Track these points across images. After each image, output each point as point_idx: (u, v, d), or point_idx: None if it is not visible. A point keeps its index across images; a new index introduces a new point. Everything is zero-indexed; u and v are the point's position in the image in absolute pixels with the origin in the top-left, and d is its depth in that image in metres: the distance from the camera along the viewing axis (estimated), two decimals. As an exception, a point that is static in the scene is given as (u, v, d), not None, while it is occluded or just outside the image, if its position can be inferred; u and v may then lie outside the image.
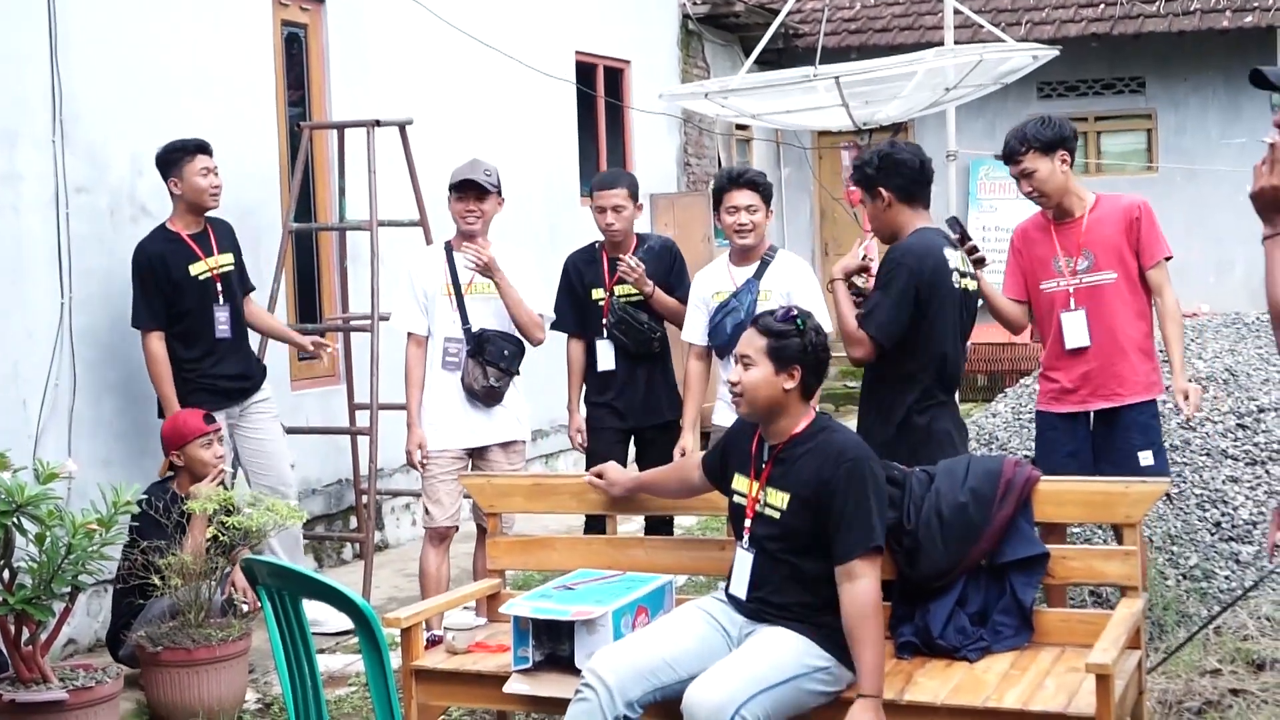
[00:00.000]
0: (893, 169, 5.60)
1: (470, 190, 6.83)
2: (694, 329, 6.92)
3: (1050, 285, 6.26)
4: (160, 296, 7.20)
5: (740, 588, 4.89)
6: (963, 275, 5.64)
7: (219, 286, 7.36)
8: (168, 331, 7.23)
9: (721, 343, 6.80)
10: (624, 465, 7.19)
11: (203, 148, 7.28)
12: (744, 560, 4.89)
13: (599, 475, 5.60)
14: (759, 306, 6.61)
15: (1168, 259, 6.30)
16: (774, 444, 4.84)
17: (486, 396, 6.81)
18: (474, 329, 6.82)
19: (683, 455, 6.84)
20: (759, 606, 4.82)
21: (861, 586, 4.54)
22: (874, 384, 5.74)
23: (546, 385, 8.16)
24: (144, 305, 7.23)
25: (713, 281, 6.92)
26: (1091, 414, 6.26)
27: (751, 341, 4.81)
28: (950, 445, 5.61)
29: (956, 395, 5.85)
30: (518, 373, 6.90)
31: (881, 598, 4.60)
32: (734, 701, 4.42)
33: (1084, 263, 6.18)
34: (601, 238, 7.40)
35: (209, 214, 7.38)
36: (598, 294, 7.27)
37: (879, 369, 5.69)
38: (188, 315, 7.26)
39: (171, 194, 7.30)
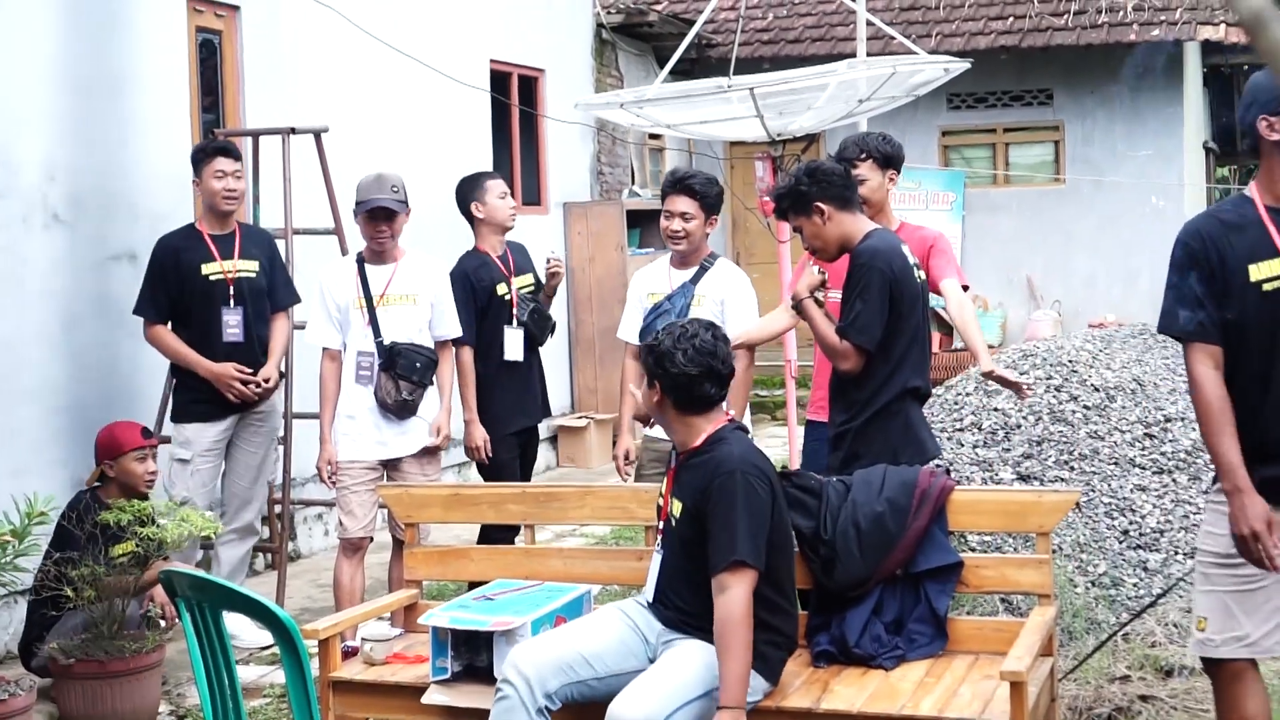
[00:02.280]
0: (824, 180, 5.51)
1: (380, 215, 6.82)
2: (629, 327, 6.90)
3: (835, 295, 6.24)
4: (164, 290, 7.20)
5: (649, 590, 4.97)
6: (916, 267, 5.61)
7: (230, 289, 7.30)
8: (175, 328, 7.28)
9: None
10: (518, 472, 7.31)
11: (224, 150, 7.27)
12: (654, 562, 4.98)
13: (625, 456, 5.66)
14: (692, 311, 6.60)
15: (964, 288, 6.26)
16: (680, 454, 4.90)
17: (399, 410, 6.79)
18: (386, 342, 6.80)
19: (626, 458, 6.84)
20: (671, 613, 4.85)
21: (727, 599, 4.53)
22: (845, 381, 5.58)
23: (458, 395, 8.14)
24: (147, 295, 7.26)
25: (650, 282, 6.93)
26: None
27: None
28: (927, 432, 5.62)
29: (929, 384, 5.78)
30: (430, 384, 6.89)
31: (749, 610, 4.52)
32: (658, 715, 4.45)
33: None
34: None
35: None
36: (502, 289, 7.33)
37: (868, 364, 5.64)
38: (193, 314, 7.26)
39: (193, 188, 7.31)
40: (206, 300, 7.26)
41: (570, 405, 14.11)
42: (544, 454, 13.40)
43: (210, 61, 9.33)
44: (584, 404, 14.03)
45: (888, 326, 5.42)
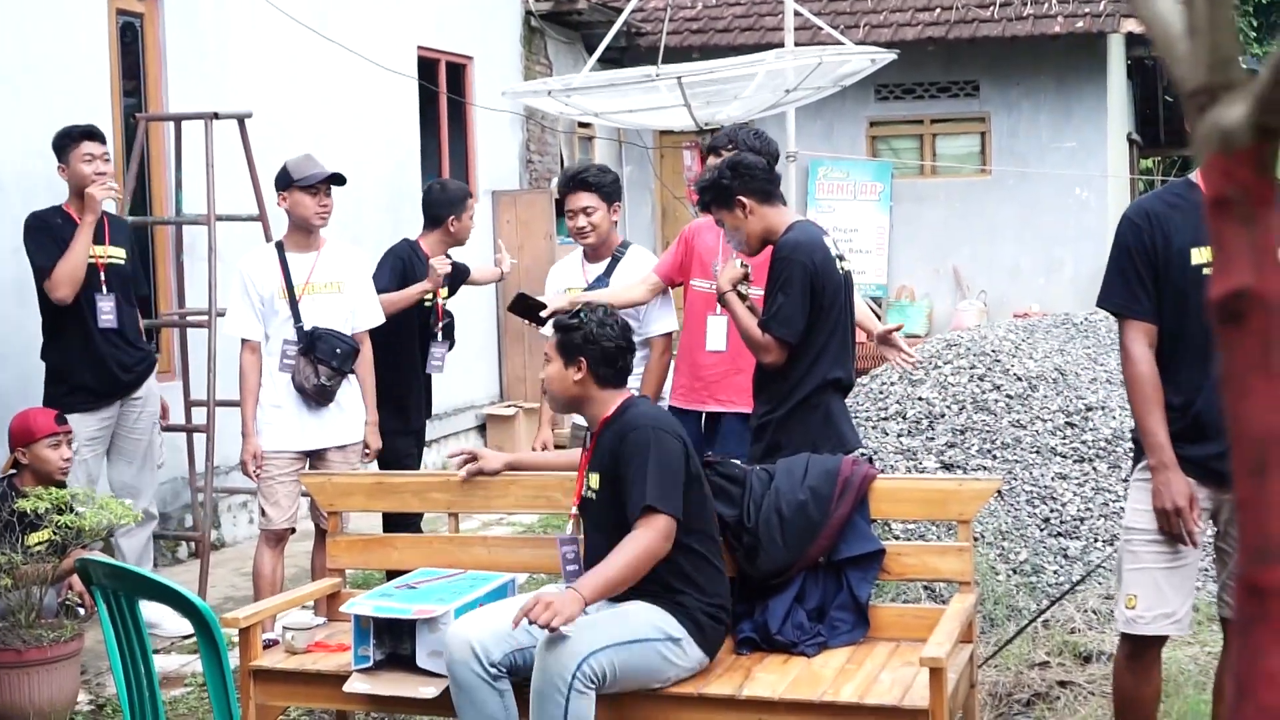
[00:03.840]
0: (746, 174, 5.52)
1: (325, 184, 6.79)
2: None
3: (703, 285, 6.38)
4: (54, 246, 7.04)
5: (571, 578, 4.99)
6: (840, 259, 5.62)
7: (103, 275, 7.22)
8: (51, 317, 7.15)
9: None
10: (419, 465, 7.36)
11: (89, 134, 7.14)
12: (569, 532, 5.10)
13: (472, 458, 5.61)
14: None
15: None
16: (593, 430, 4.97)
17: (318, 395, 6.74)
18: (306, 328, 6.77)
19: (544, 449, 6.88)
20: None
21: (636, 534, 4.63)
22: (766, 373, 5.60)
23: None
24: (40, 254, 7.06)
25: (565, 276, 6.95)
26: (704, 415, 6.44)
27: (549, 339, 4.98)
28: (848, 424, 5.64)
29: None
30: (351, 372, 6.86)
31: (656, 552, 4.62)
32: (580, 653, 4.49)
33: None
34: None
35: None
36: (429, 298, 7.32)
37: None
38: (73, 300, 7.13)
39: (63, 178, 7.17)
40: (83, 284, 7.16)
41: (499, 394, 14.09)
42: (473, 442, 13.39)
43: (131, 45, 9.23)
44: (512, 392, 14.01)
45: (809, 319, 5.44)
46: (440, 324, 7.41)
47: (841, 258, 5.65)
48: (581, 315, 4.89)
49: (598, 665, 4.50)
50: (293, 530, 6.89)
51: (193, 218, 8.61)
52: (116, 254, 7.32)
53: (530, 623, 4.45)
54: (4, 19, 7.96)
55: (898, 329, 6.24)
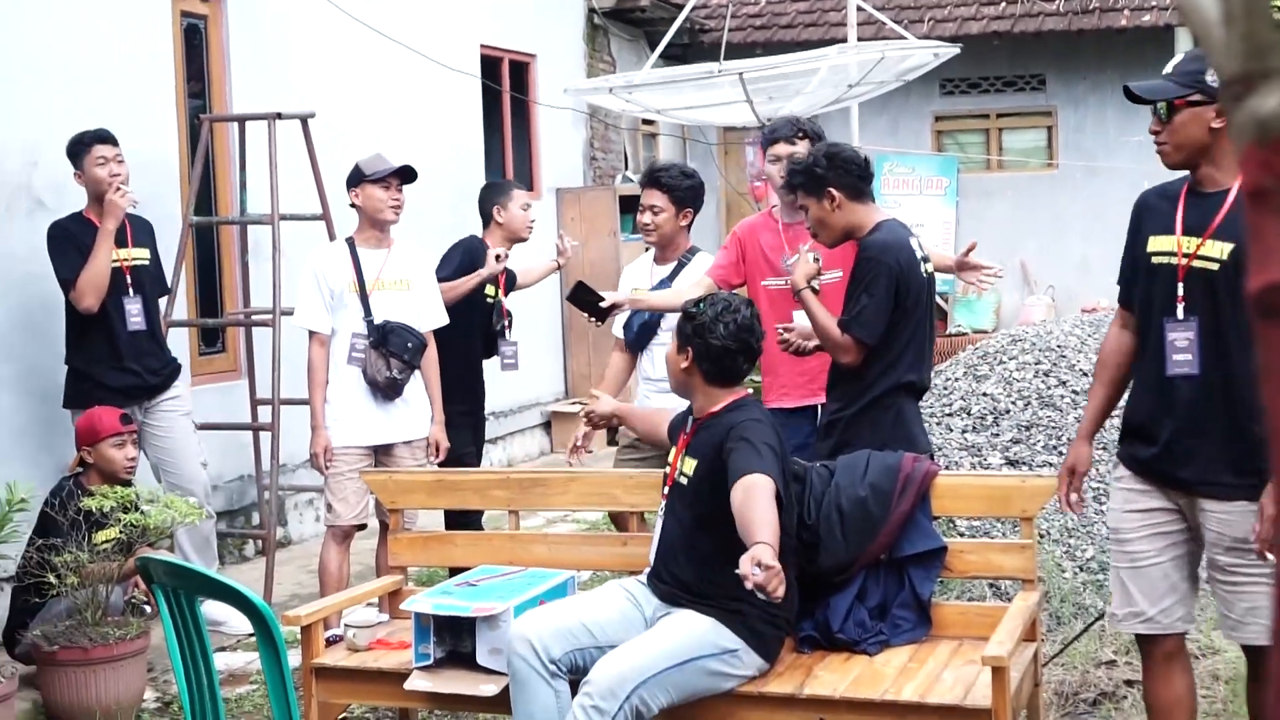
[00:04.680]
0: (841, 167, 5.45)
1: (396, 178, 6.84)
2: (619, 321, 6.97)
3: (776, 284, 6.25)
4: (77, 255, 7.08)
5: (650, 553, 4.98)
6: (924, 260, 5.54)
7: (129, 279, 7.28)
8: (77, 320, 7.19)
9: (630, 338, 6.91)
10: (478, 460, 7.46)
11: (102, 138, 7.19)
12: (657, 529, 5.00)
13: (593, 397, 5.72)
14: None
15: None
16: (697, 418, 4.96)
17: (388, 388, 6.78)
18: (377, 321, 6.80)
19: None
20: (666, 587, 4.86)
21: (754, 481, 4.49)
22: (841, 371, 5.55)
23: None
24: (64, 266, 7.11)
25: (634, 277, 7.01)
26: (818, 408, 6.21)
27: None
28: (919, 427, 5.58)
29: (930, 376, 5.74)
30: (418, 366, 6.89)
31: (770, 492, 4.48)
32: (631, 680, 4.48)
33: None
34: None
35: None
36: (491, 290, 7.37)
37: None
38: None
39: (80, 185, 7.23)
40: (110, 289, 7.20)
41: (564, 391, 14.10)
42: (537, 439, 13.43)
43: (196, 46, 9.30)
44: (577, 389, 14.02)
45: (890, 320, 5.38)
46: (505, 321, 7.45)
47: (926, 259, 5.57)
48: (702, 305, 4.87)
49: (649, 696, 4.50)
50: (362, 526, 6.92)
51: (257, 217, 8.66)
52: (140, 255, 7.37)
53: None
54: (69, 23, 8.03)
55: (971, 248, 6.18)
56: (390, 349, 6.76)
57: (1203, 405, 4.31)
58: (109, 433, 6.66)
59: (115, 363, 7.21)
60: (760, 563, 4.07)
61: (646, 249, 7.10)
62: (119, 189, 7.10)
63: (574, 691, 4.63)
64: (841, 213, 5.48)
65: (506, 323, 7.46)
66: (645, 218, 6.80)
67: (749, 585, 4.07)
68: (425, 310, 6.99)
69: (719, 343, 4.82)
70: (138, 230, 7.41)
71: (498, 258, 7.14)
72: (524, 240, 7.54)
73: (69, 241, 7.12)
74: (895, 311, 5.37)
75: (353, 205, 6.94)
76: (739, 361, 4.89)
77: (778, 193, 6.31)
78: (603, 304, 6.33)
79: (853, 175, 5.48)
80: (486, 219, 7.52)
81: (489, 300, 7.40)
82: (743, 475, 4.51)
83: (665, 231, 6.79)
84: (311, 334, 6.89)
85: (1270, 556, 4.19)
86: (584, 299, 6.41)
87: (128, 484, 6.61)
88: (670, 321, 6.84)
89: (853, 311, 5.40)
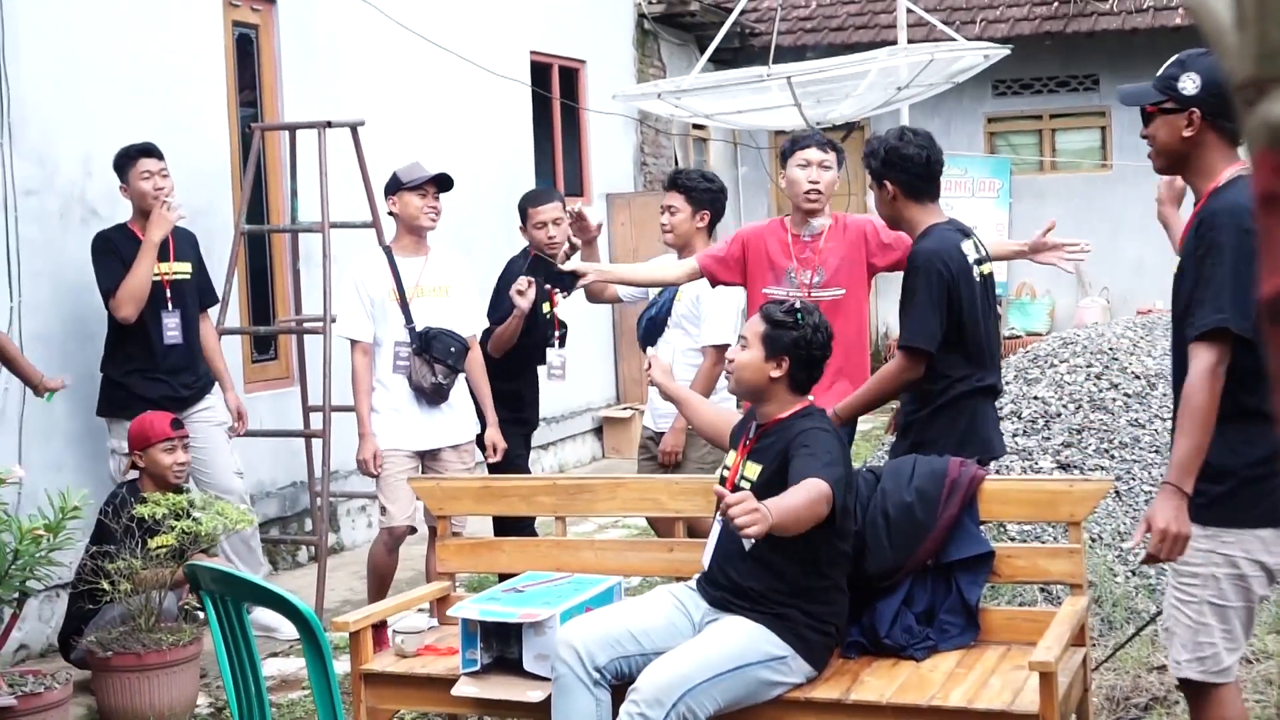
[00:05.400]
0: (898, 164, 5.42)
1: (434, 184, 6.88)
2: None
3: (778, 292, 6.08)
4: (119, 266, 7.15)
5: (706, 557, 4.96)
6: (979, 263, 5.49)
7: (168, 293, 7.33)
8: (115, 330, 7.24)
9: (639, 335, 6.99)
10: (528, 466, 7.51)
11: (147, 151, 7.25)
12: (714, 531, 4.96)
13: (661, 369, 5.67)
14: (674, 306, 6.90)
15: None
16: (762, 424, 4.93)
17: (434, 394, 6.85)
18: (419, 328, 6.84)
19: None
20: (718, 592, 4.85)
21: (813, 480, 4.49)
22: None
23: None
24: (106, 276, 7.18)
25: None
26: None
27: (753, 325, 4.92)
28: (996, 433, 5.53)
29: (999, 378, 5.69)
30: (462, 370, 6.93)
31: (823, 505, 4.46)
32: (679, 688, 4.48)
33: (817, 277, 6.12)
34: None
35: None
36: (545, 308, 7.39)
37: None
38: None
39: (125, 197, 7.29)
40: (149, 302, 7.25)
41: (615, 396, 14.11)
42: (589, 445, 13.44)
43: (247, 56, 9.36)
44: (628, 395, 14.02)
45: (951, 323, 5.34)
46: (557, 333, 7.47)
47: (982, 260, 5.50)
48: (799, 317, 4.85)
49: (696, 704, 4.50)
50: (413, 530, 6.97)
51: (307, 225, 8.71)
52: (182, 269, 7.43)
53: (723, 513, 4.34)
54: (122, 34, 8.10)
55: (1050, 227, 6.13)
56: (434, 355, 6.82)
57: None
58: (159, 438, 6.72)
59: (149, 374, 7.28)
60: (738, 502, 4.16)
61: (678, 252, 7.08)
62: (165, 203, 7.16)
63: (616, 698, 4.63)
64: (897, 205, 5.47)
65: (558, 334, 7.47)
66: (664, 218, 6.93)
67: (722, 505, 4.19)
68: (466, 315, 7.06)
69: (819, 353, 4.85)
70: (181, 243, 7.47)
71: (520, 293, 7.14)
72: (553, 254, 7.51)
73: (112, 252, 7.18)
74: (953, 314, 5.33)
75: (390, 213, 7.00)
76: (823, 370, 4.97)
77: (794, 199, 6.23)
78: (562, 270, 6.33)
79: (909, 174, 5.44)
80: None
81: (545, 316, 7.44)
82: (803, 479, 4.52)
83: (681, 232, 6.87)
84: (353, 343, 6.94)
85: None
86: (544, 269, 6.41)
87: (179, 489, 6.67)
88: (678, 318, 6.87)
89: (903, 324, 5.38)
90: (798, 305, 4.91)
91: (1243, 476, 4.02)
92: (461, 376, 7.00)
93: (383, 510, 6.98)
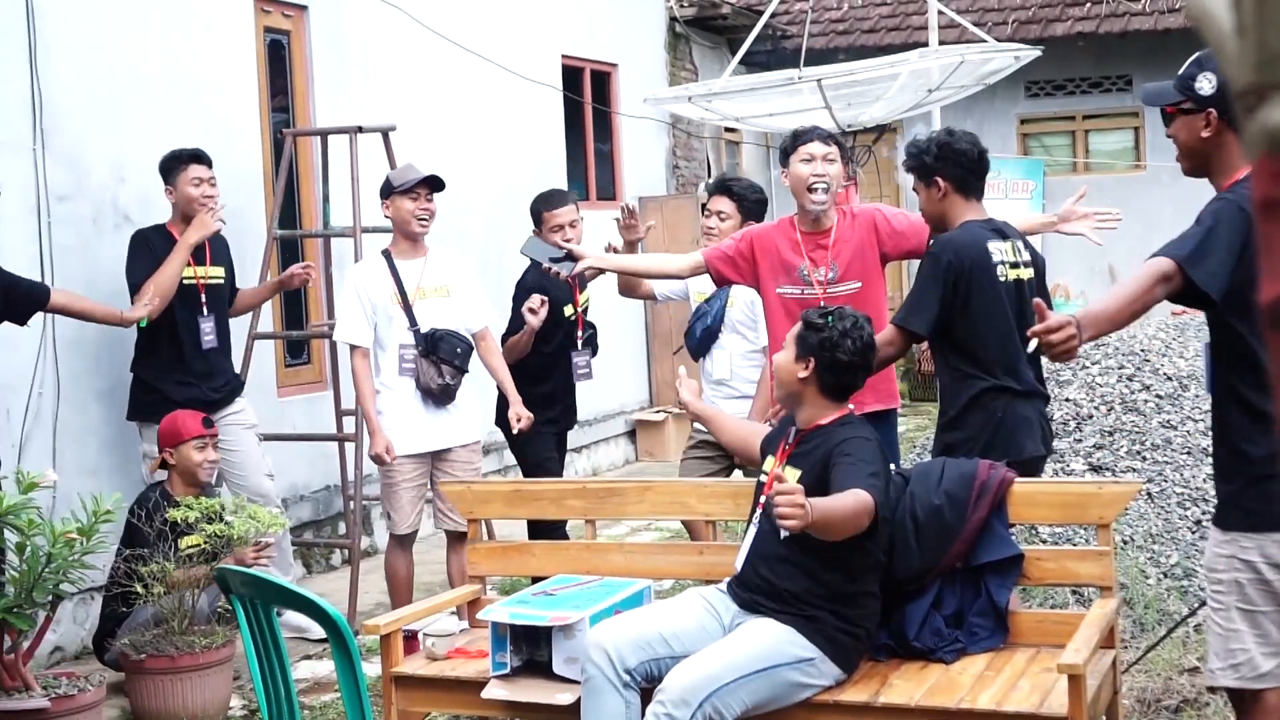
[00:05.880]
0: (951, 159, 5.44)
1: (425, 186, 6.90)
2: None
3: (792, 292, 6.10)
4: (152, 264, 7.19)
5: (740, 560, 4.96)
6: (1013, 266, 5.47)
7: (204, 297, 7.38)
8: (147, 333, 7.29)
9: (691, 344, 6.98)
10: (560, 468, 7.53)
11: (198, 157, 7.30)
12: (749, 534, 4.97)
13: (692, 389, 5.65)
14: (728, 313, 6.85)
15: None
16: (801, 429, 4.95)
17: (441, 394, 6.90)
18: (424, 330, 6.88)
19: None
20: (749, 594, 4.85)
21: (857, 491, 4.52)
22: (940, 373, 5.69)
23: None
24: (136, 271, 7.23)
25: (700, 283, 7.00)
26: None
27: (794, 328, 4.97)
28: (1027, 435, 5.47)
29: (1039, 383, 5.65)
30: (467, 370, 6.98)
31: (864, 516, 4.48)
32: (705, 688, 4.49)
33: (831, 273, 6.08)
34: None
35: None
36: (569, 310, 7.41)
37: (941, 360, 5.62)
38: (169, 316, 7.27)
39: (169, 200, 7.33)
40: (185, 305, 7.32)
41: (648, 400, 14.12)
42: (622, 448, 13.45)
43: (279, 61, 9.41)
44: (662, 398, 14.03)
45: (959, 321, 5.36)
46: (582, 334, 7.49)
47: (1017, 265, 5.49)
48: (829, 320, 4.87)
49: (723, 705, 4.51)
50: (416, 532, 7.06)
51: (339, 230, 8.74)
52: (216, 274, 7.49)
53: (767, 509, 4.38)
54: (154, 38, 8.15)
55: (1080, 195, 6.11)
56: (440, 356, 6.86)
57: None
58: (191, 435, 6.78)
59: (181, 377, 7.32)
60: (789, 493, 4.19)
61: None
62: (211, 210, 7.22)
63: (645, 700, 4.64)
64: (945, 203, 5.47)
65: (581, 335, 7.49)
66: (711, 222, 6.87)
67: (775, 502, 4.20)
68: (471, 311, 7.09)
69: (845, 358, 4.84)
70: (217, 249, 7.52)
71: (532, 311, 7.16)
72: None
73: (147, 250, 7.24)
74: (962, 312, 5.35)
75: (386, 217, 7.04)
76: (857, 378, 4.95)
77: (798, 196, 6.17)
78: (560, 255, 6.27)
79: (962, 169, 5.47)
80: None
81: (568, 316, 7.46)
82: (847, 489, 4.53)
83: (724, 238, 6.79)
84: (352, 348, 6.97)
85: None
86: (537, 251, 6.37)
87: (208, 488, 6.72)
88: (732, 323, 6.86)
89: (904, 303, 5.50)
90: (832, 309, 4.93)
91: (1249, 475, 4.01)
92: (467, 377, 7.02)
93: (388, 516, 7.07)
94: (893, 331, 5.47)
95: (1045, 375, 8.09)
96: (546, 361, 7.42)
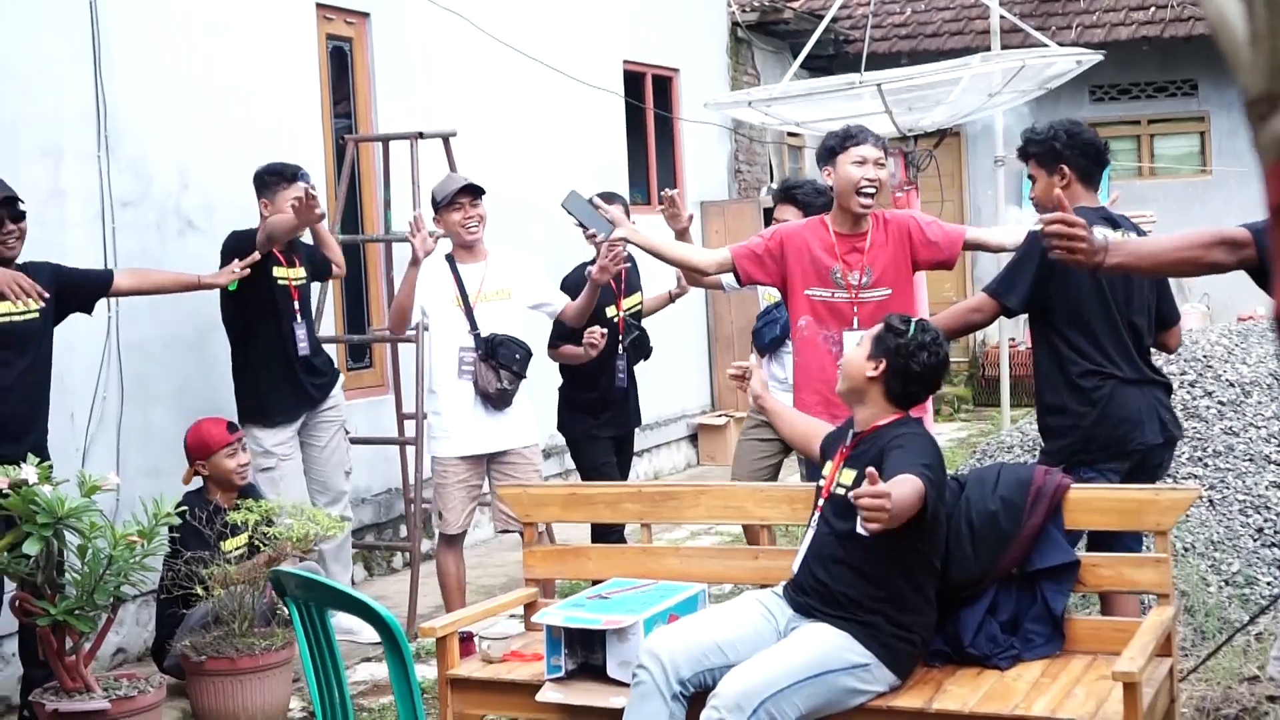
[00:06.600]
0: (1079, 148, 5.52)
1: (467, 194, 6.95)
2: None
3: (823, 294, 6.01)
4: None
5: (797, 563, 4.96)
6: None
7: (295, 302, 7.49)
8: (244, 338, 7.42)
9: (761, 345, 6.97)
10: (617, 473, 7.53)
11: (301, 176, 7.32)
12: (806, 538, 4.97)
13: (742, 376, 5.65)
14: None
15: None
16: (859, 431, 4.95)
17: (499, 399, 6.96)
18: (483, 334, 6.93)
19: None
20: (805, 597, 4.86)
21: (900, 476, 4.53)
22: (1038, 360, 5.75)
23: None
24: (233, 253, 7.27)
25: (766, 288, 7.04)
26: None
27: (874, 327, 5.00)
28: (1136, 424, 5.52)
29: (1150, 369, 5.71)
30: (525, 376, 7.03)
31: (917, 499, 4.46)
32: (759, 694, 4.48)
33: (865, 277, 6.01)
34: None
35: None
36: (611, 311, 7.44)
37: (1040, 344, 5.72)
38: (268, 311, 7.38)
39: (261, 213, 7.39)
40: (272, 304, 7.40)
41: (710, 403, 14.12)
42: (684, 452, 13.46)
43: (341, 68, 9.48)
44: (723, 401, 14.03)
45: (1057, 302, 5.52)
46: (624, 337, 7.51)
47: None
48: (912, 328, 4.88)
49: (777, 711, 4.50)
50: (465, 532, 7.20)
51: (401, 235, 8.77)
52: (300, 275, 7.55)
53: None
54: (218, 47, 8.23)
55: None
56: (499, 361, 6.92)
57: None
58: (220, 444, 6.85)
59: (285, 382, 7.46)
60: (876, 494, 4.22)
61: None
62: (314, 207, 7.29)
63: (691, 705, 4.64)
64: (1066, 192, 5.40)
65: (623, 338, 7.53)
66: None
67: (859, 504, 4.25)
68: (546, 301, 7.21)
69: (917, 368, 4.85)
70: (301, 253, 7.57)
71: (593, 345, 7.24)
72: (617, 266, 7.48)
73: (239, 255, 7.29)
74: (1054, 295, 5.49)
75: (438, 229, 7.11)
76: (922, 392, 4.97)
77: (843, 197, 6.11)
78: (599, 223, 6.21)
79: (1087, 157, 5.56)
80: None
81: (611, 320, 7.49)
82: (896, 475, 4.53)
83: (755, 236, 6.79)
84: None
85: None
86: (579, 208, 6.27)
87: (244, 492, 6.79)
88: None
89: (998, 275, 5.65)
90: (918, 319, 4.96)
91: None
92: (524, 382, 7.07)
93: (439, 516, 7.13)
94: (983, 298, 5.63)
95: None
96: (591, 366, 7.45)
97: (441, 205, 7.01)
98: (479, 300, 7.01)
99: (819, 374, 5.95)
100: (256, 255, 7.06)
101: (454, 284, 7.01)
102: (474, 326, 6.97)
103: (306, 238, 7.71)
